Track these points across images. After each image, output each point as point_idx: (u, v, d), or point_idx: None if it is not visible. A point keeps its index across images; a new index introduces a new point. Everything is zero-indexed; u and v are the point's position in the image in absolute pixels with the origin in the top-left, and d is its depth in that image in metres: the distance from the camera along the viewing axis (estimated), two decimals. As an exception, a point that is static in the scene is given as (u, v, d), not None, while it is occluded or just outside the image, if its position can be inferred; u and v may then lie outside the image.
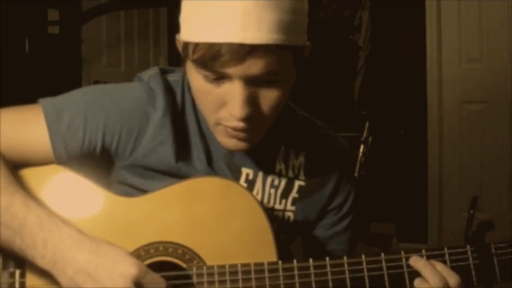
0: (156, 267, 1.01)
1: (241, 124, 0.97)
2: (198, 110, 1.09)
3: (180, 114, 1.09)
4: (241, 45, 0.90)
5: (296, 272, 1.01)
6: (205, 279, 1.00)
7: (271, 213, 1.13)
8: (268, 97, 0.97)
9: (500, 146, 3.77)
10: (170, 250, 1.02)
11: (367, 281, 1.01)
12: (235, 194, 1.03)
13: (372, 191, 3.66)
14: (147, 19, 4.32)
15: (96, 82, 3.77)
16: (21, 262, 1.00)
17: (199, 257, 1.01)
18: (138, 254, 1.01)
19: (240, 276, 0.99)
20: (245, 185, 1.12)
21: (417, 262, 1.02)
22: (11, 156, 1.03)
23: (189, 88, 1.09)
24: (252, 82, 0.94)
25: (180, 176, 1.06)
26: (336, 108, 4.03)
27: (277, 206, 1.14)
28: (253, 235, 1.02)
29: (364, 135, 3.31)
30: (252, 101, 0.95)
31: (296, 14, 0.94)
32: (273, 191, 1.14)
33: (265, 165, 1.13)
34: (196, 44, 0.92)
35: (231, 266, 1.00)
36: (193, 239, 1.02)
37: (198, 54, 0.92)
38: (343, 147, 1.22)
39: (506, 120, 3.76)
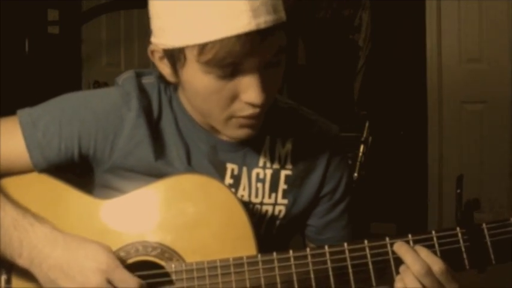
0: (138, 267, 1.01)
1: (257, 110, 0.97)
2: (177, 111, 1.10)
3: (157, 116, 1.09)
4: (257, 33, 0.90)
5: (276, 264, 1.00)
6: (184, 276, 1.00)
7: (259, 209, 1.13)
8: (274, 78, 0.99)
9: (500, 146, 3.76)
10: (149, 249, 1.02)
11: (350, 269, 0.99)
12: (213, 191, 1.03)
13: (372, 191, 3.65)
14: (147, 19, 4.32)
15: (96, 82, 3.78)
16: (8, 268, 1.02)
17: (178, 254, 1.01)
18: (118, 255, 1.01)
19: (219, 272, 0.99)
20: (231, 181, 1.11)
21: (400, 248, 0.98)
22: None
23: (166, 90, 1.09)
24: (263, 66, 0.95)
25: (160, 176, 1.06)
26: (336, 108, 4.03)
27: (266, 200, 1.13)
28: (232, 231, 1.02)
29: (364, 135, 3.29)
30: (265, 85, 0.96)
31: None
32: (260, 185, 1.13)
33: (249, 159, 1.12)
34: (204, 45, 0.91)
35: (209, 262, 0.99)
36: (172, 237, 1.02)
37: (210, 54, 0.91)
38: (332, 131, 1.19)
39: (506, 120, 3.75)
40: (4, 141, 1.05)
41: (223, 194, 1.03)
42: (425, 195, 4.03)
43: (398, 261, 0.98)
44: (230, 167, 1.11)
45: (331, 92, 4.12)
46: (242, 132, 1.02)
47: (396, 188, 4.03)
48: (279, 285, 0.99)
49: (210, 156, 1.10)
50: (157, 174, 1.06)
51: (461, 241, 0.99)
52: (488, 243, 0.99)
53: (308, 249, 1.00)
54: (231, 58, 0.91)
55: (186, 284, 1.00)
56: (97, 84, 3.78)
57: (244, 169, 1.12)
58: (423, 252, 0.98)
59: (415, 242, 0.99)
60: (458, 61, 3.91)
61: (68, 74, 3.58)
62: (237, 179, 1.12)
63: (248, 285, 0.99)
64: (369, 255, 0.99)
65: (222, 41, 0.89)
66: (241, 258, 1.00)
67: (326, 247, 1.00)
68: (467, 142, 3.91)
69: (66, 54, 3.56)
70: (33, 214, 1.01)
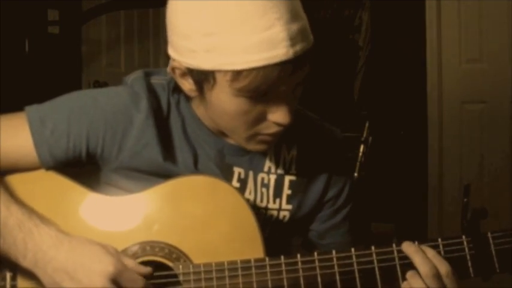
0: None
1: (281, 128, 0.99)
2: (184, 113, 1.10)
3: (165, 118, 1.09)
4: (294, 60, 0.90)
5: (284, 268, 1.00)
6: (191, 277, 1.00)
7: (264, 213, 1.13)
8: (297, 95, 1.00)
9: (500, 146, 3.76)
10: (157, 250, 1.02)
11: (357, 275, 1.00)
12: (221, 192, 1.03)
13: (372, 191, 3.65)
14: (147, 19, 4.33)
15: (96, 82, 3.77)
16: (14, 266, 1.01)
17: (186, 255, 1.01)
18: (126, 254, 1.01)
19: (226, 274, 0.99)
20: (238, 184, 1.12)
21: (408, 248, 1.00)
22: None
23: (174, 91, 1.09)
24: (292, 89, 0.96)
25: (167, 177, 1.06)
26: (336, 108, 4.03)
27: (270, 206, 1.14)
28: (240, 233, 1.02)
29: (364, 135, 3.29)
30: (291, 105, 0.98)
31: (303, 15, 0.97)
32: (264, 190, 1.13)
33: (255, 163, 1.13)
34: (239, 71, 0.91)
35: (217, 263, 1.00)
36: (180, 237, 1.02)
37: (246, 81, 0.91)
38: (337, 137, 1.21)
39: (506, 120, 3.75)
40: (11, 137, 1.05)
41: (231, 195, 1.03)
42: (425, 195, 4.03)
43: (405, 267, 1.00)
44: (237, 170, 1.12)
45: (331, 92, 4.12)
46: (261, 147, 1.04)
47: (396, 188, 4.03)
48: None
49: (216, 160, 1.11)
50: (164, 175, 1.06)
51: (466, 249, 1.01)
52: (493, 252, 1.00)
53: (316, 254, 1.01)
54: (266, 85, 0.92)
55: (193, 285, 1.00)
56: (97, 84, 3.77)
57: (251, 173, 1.12)
58: (430, 253, 0.99)
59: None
60: (458, 61, 3.91)
61: (68, 74, 3.57)
62: (243, 183, 1.12)
63: None
64: (375, 261, 1.01)
65: (258, 69, 0.90)
66: (249, 261, 1.00)
67: (333, 252, 1.01)
68: (467, 142, 3.91)
69: (66, 54, 3.56)
70: (38, 215, 1.01)
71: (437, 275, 0.97)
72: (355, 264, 1.00)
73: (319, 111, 1.23)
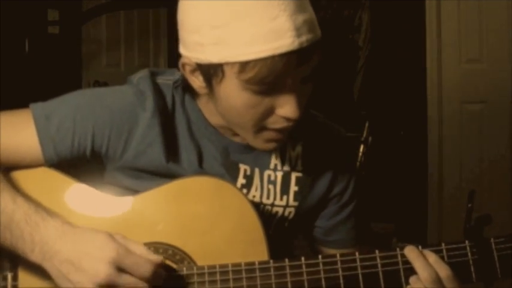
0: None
1: (290, 124, 0.99)
2: (190, 112, 1.10)
3: (170, 117, 1.09)
4: (299, 51, 0.91)
5: (288, 270, 1.00)
6: (195, 279, 1.00)
7: (269, 210, 1.13)
8: (306, 92, 1.00)
9: (500, 146, 3.77)
10: (161, 251, 1.02)
11: (361, 278, 1.00)
12: (226, 193, 1.03)
13: (372, 191, 3.65)
14: (147, 19, 4.33)
15: (96, 82, 3.78)
16: (15, 265, 1.01)
17: (189, 257, 1.01)
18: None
19: (230, 276, 0.99)
20: (244, 181, 1.12)
21: (410, 252, 1.00)
22: (1, 159, 1.03)
23: (179, 90, 1.10)
24: (300, 82, 0.96)
25: (171, 177, 1.06)
26: (336, 108, 4.03)
27: (277, 202, 1.14)
28: (244, 235, 1.02)
29: (364, 135, 3.30)
30: (300, 100, 0.97)
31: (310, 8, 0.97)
32: (271, 186, 1.14)
33: (260, 160, 1.13)
34: (246, 63, 0.91)
35: (221, 265, 1.00)
36: (184, 239, 1.02)
37: (252, 72, 0.91)
38: (341, 134, 1.22)
39: (506, 120, 3.75)
40: (15, 133, 1.04)
41: (235, 197, 1.03)
42: (425, 195, 4.03)
43: (409, 272, 1.00)
44: (243, 167, 1.12)
45: (331, 92, 4.12)
46: (270, 145, 1.04)
47: (396, 188, 4.03)
48: None
49: (222, 158, 1.11)
50: (168, 175, 1.06)
51: (469, 254, 1.02)
52: (496, 257, 1.01)
53: (320, 257, 1.02)
54: (272, 76, 0.92)
55: (197, 287, 1.00)
56: (97, 84, 3.77)
57: (257, 170, 1.13)
58: (432, 257, 1.00)
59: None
60: (458, 61, 3.91)
61: (68, 74, 3.57)
62: (249, 180, 1.13)
63: None
64: (379, 265, 1.01)
65: (265, 59, 0.90)
66: (253, 263, 1.00)
67: (338, 255, 1.02)
68: (467, 142, 3.91)
69: (66, 54, 3.56)
70: (45, 208, 1.00)
71: (437, 280, 0.98)
72: (359, 268, 1.01)
73: (319, 111, 1.23)
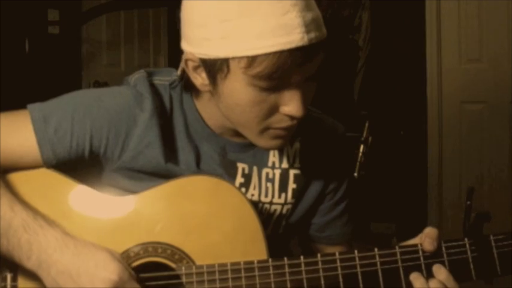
0: (147, 268, 1.01)
1: (294, 122, 0.99)
2: (187, 112, 1.10)
3: (168, 118, 1.09)
4: (307, 48, 0.91)
5: (287, 269, 1.00)
6: (194, 278, 1.00)
7: (267, 208, 1.13)
8: (310, 91, 1.00)
9: (500, 146, 3.77)
10: (159, 250, 1.01)
11: (360, 277, 1.00)
12: (224, 192, 1.03)
13: (372, 191, 3.65)
14: (147, 19, 4.33)
15: (96, 82, 3.78)
16: (14, 266, 1.01)
17: (188, 256, 1.01)
18: (128, 255, 1.01)
19: (229, 275, 0.99)
20: (242, 180, 1.12)
21: (416, 280, 1.01)
22: None
23: (176, 91, 1.09)
24: (304, 80, 0.96)
25: (169, 177, 1.06)
26: (336, 108, 4.02)
27: (276, 200, 1.14)
28: (243, 234, 1.02)
29: (364, 135, 3.30)
30: (304, 99, 0.97)
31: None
32: (269, 184, 1.13)
33: (258, 158, 1.13)
34: (254, 57, 0.91)
35: (220, 265, 0.99)
36: (183, 238, 1.02)
37: (261, 67, 0.91)
38: (338, 130, 1.21)
39: (505, 120, 3.75)
40: (13, 134, 1.04)
41: (234, 196, 1.03)
42: (425, 195, 4.03)
43: (408, 270, 1.00)
44: (241, 166, 1.12)
45: (331, 91, 4.12)
46: (275, 143, 1.03)
47: (396, 188, 4.03)
48: None
49: (219, 157, 1.11)
50: (166, 176, 1.06)
51: (469, 252, 1.02)
52: (495, 254, 1.01)
53: (319, 256, 1.02)
54: (280, 72, 0.91)
55: (196, 286, 1.00)
56: (97, 84, 3.78)
57: (255, 168, 1.13)
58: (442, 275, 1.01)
59: (424, 251, 1.02)
60: (458, 61, 3.91)
61: (68, 74, 3.57)
62: (247, 178, 1.12)
63: None
64: (378, 263, 1.01)
65: (274, 54, 0.90)
66: (252, 262, 1.00)
67: (337, 254, 1.02)
68: (467, 142, 3.91)
69: (66, 54, 3.56)
70: (43, 216, 1.00)
71: None
72: (358, 266, 1.01)
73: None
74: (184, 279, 1.00)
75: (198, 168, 1.09)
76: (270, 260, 1.00)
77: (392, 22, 4.05)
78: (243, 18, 0.90)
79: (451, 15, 3.88)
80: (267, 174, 1.13)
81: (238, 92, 0.96)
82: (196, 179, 1.05)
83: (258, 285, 0.99)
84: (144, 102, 1.06)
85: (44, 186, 1.05)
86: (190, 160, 1.08)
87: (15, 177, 1.05)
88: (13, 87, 3.00)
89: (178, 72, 1.08)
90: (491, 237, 1.02)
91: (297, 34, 0.89)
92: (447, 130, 3.97)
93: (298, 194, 1.15)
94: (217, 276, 0.99)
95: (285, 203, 1.15)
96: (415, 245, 1.02)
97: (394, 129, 4.04)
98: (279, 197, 1.14)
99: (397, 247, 1.02)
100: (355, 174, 3.07)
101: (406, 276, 1.00)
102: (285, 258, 1.00)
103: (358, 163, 3.15)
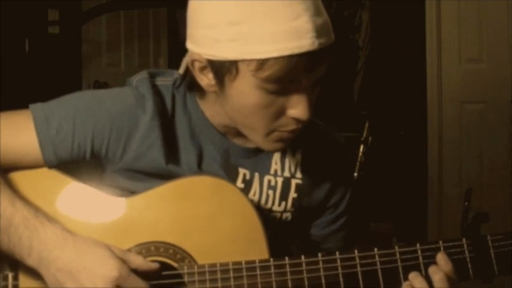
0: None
1: (300, 126, 0.99)
2: (192, 112, 1.10)
3: (170, 119, 1.08)
4: (317, 52, 0.91)
5: (288, 269, 1.01)
6: (196, 278, 1.00)
7: (267, 215, 1.13)
8: (315, 96, 1.00)
9: (500, 146, 3.77)
10: (161, 250, 1.02)
11: (360, 276, 1.01)
12: (225, 192, 1.03)
13: (372, 191, 3.65)
14: (147, 19, 4.33)
15: (96, 82, 3.78)
16: (15, 265, 1.01)
17: (190, 256, 1.01)
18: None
19: (231, 275, 1.00)
20: (242, 185, 1.12)
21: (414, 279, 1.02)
22: (0, 160, 1.03)
23: (180, 91, 1.09)
24: (312, 84, 0.97)
25: (170, 178, 1.06)
26: (336, 108, 4.03)
27: (275, 208, 1.14)
28: (244, 233, 1.02)
29: (364, 135, 3.30)
30: (311, 102, 0.98)
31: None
32: (271, 192, 1.14)
33: (261, 166, 1.13)
34: (264, 60, 0.91)
35: (222, 264, 1.00)
36: (184, 238, 1.02)
37: (271, 70, 0.91)
38: (341, 144, 1.22)
39: (505, 120, 3.75)
40: (14, 134, 1.04)
41: (235, 196, 1.03)
42: (425, 195, 4.03)
43: (407, 269, 1.01)
44: (242, 171, 1.12)
45: (331, 91, 4.12)
46: (278, 146, 1.04)
47: (396, 188, 4.03)
48: None
49: (222, 160, 1.11)
50: (167, 177, 1.06)
51: (466, 252, 1.03)
52: (492, 254, 1.03)
53: (320, 255, 1.02)
54: (290, 76, 0.92)
55: (198, 285, 1.00)
56: (97, 84, 3.78)
57: (256, 175, 1.13)
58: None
59: (423, 251, 1.03)
60: (458, 61, 3.91)
61: (68, 74, 3.57)
62: (248, 184, 1.12)
63: None
64: (378, 263, 1.02)
65: (284, 58, 0.90)
66: (253, 261, 1.00)
67: (337, 253, 1.02)
68: (467, 142, 3.91)
69: (66, 54, 3.56)
70: (44, 213, 1.00)
71: None
72: (358, 266, 1.01)
73: (319, 111, 1.23)
74: (186, 279, 1.00)
75: (200, 169, 1.09)
76: (271, 259, 1.01)
77: (392, 22, 4.05)
78: (254, 21, 0.90)
79: (451, 15, 3.88)
80: (269, 181, 1.14)
81: (246, 94, 0.95)
82: (198, 179, 1.05)
83: (259, 285, 1.00)
84: (146, 104, 1.06)
85: (44, 185, 1.06)
86: (192, 161, 1.08)
87: (16, 177, 1.05)
88: (13, 87, 3.00)
89: (180, 70, 1.07)
90: (489, 238, 1.03)
91: (308, 39, 0.90)
92: (447, 130, 3.97)
93: (298, 204, 1.15)
94: (219, 276, 1.00)
95: (284, 210, 1.15)
96: (415, 245, 1.03)
97: (394, 129, 4.04)
98: (279, 205, 1.14)
99: (396, 247, 1.03)
100: (355, 174, 3.07)
101: (405, 275, 1.01)
102: (286, 258, 1.01)
103: (358, 163, 3.16)
